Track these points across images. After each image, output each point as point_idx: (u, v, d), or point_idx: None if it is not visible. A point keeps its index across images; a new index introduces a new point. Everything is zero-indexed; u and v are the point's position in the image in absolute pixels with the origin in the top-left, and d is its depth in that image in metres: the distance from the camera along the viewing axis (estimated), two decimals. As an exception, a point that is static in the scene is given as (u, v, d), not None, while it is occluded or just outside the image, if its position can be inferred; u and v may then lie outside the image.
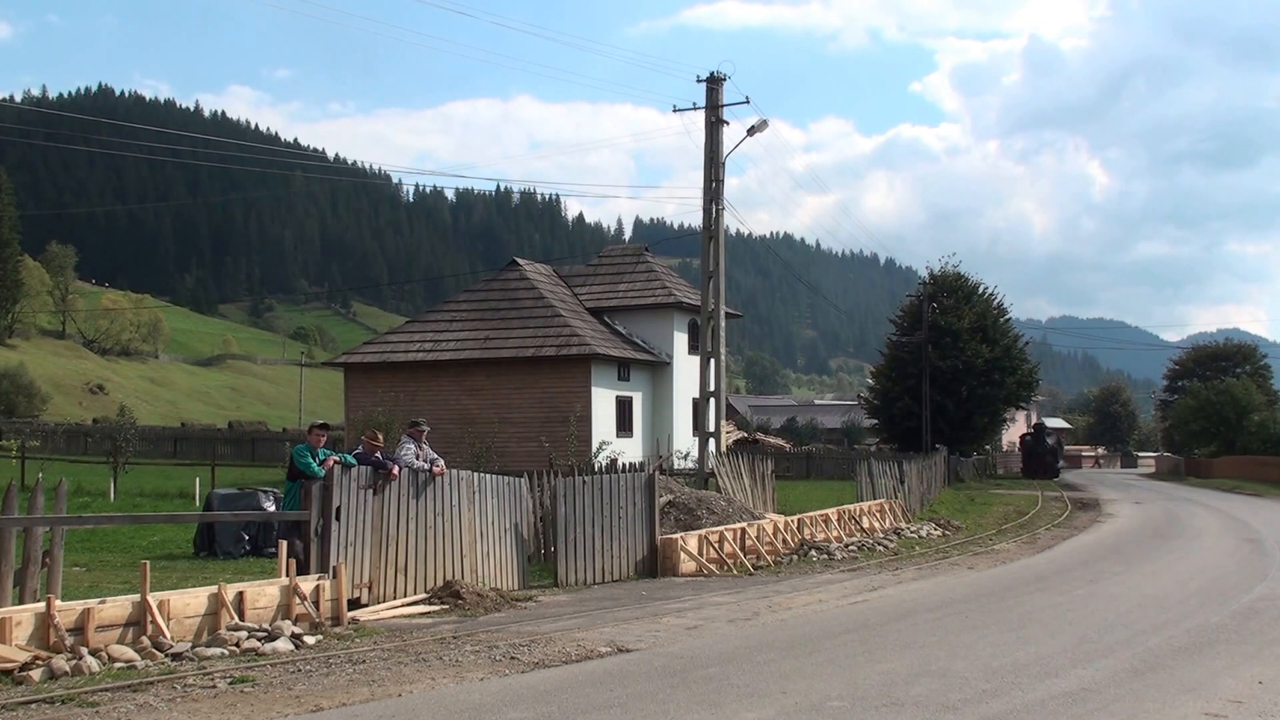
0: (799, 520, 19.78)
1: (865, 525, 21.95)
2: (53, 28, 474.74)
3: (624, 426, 34.10)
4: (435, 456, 13.45)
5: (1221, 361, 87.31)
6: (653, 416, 35.82)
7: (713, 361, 25.51)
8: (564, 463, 23.08)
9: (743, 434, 62.06)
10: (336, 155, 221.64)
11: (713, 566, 16.15)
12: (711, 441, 25.15)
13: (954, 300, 54.70)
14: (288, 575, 10.49)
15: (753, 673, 8.65)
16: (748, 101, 26.16)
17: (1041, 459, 61.58)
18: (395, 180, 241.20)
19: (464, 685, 8.23)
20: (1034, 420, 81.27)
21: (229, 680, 8.14)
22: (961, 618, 11.78)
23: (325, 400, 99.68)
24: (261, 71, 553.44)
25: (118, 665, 8.46)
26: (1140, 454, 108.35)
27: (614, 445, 30.16)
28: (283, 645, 9.42)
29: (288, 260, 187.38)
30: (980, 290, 56.67)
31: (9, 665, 8.10)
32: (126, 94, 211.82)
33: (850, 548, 19.36)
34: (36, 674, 7.99)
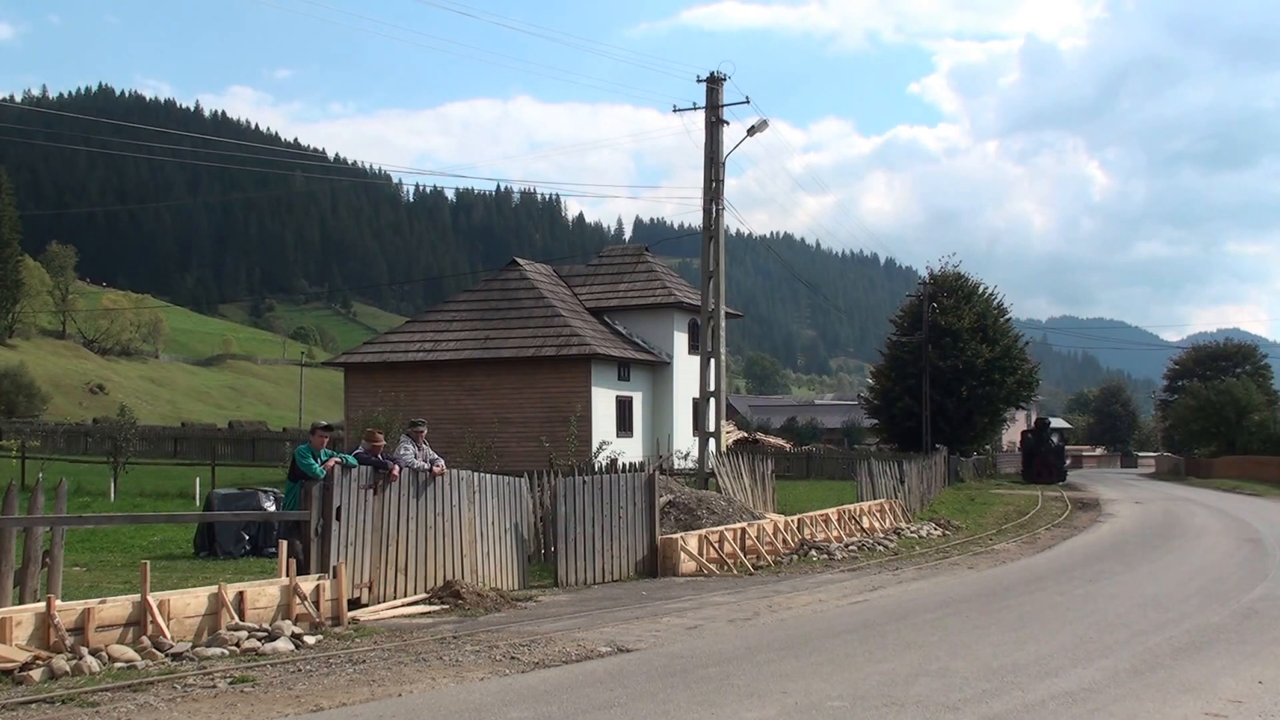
0: (799, 520, 19.79)
1: (865, 525, 21.95)
2: (53, 28, 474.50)
3: (624, 426, 34.09)
4: (435, 457, 13.45)
5: (1221, 361, 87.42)
6: (653, 416, 35.81)
7: (713, 361, 25.50)
8: (564, 463, 23.08)
9: (743, 434, 62.04)
10: (336, 155, 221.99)
11: (713, 566, 16.15)
12: (711, 441, 25.14)
13: (954, 300, 54.65)
14: (288, 575, 10.50)
15: (753, 672, 8.66)
16: (748, 101, 26.13)
17: (1044, 459, 57.03)
18: (395, 180, 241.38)
19: (464, 685, 8.23)
20: (1034, 420, 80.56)
21: (229, 680, 8.15)
22: (961, 618, 11.78)
23: (325, 400, 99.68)
24: (262, 72, 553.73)
25: (118, 665, 8.47)
26: (1140, 454, 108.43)
27: (614, 445, 30.14)
28: (283, 645, 9.42)
29: (288, 260, 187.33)
30: (980, 290, 56.63)
31: (9, 665, 8.11)
32: (126, 94, 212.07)
33: (850, 548, 19.37)
34: (37, 674, 7.99)
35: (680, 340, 36.59)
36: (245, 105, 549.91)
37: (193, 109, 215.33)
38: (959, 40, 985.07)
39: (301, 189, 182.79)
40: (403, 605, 12.00)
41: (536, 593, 13.82)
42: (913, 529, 23.11)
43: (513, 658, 9.25)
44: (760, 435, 66.00)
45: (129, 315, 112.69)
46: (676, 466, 30.30)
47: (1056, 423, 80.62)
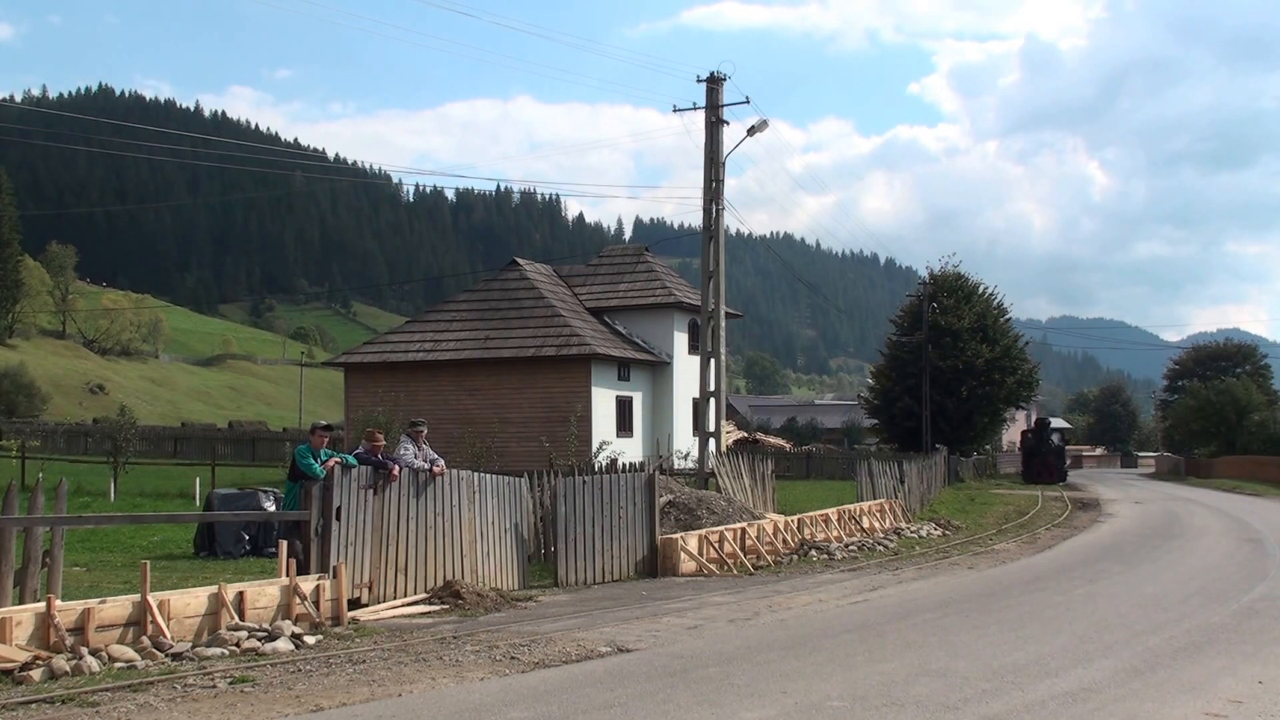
0: (799, 520, 19.79)
1: (865, 525, 21.95)
2: (53, 28, 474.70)
3: (624, 426, 34.09)
4: (435, 457, 13.45)
5: (1221, 361, 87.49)
6: (653, 416, 35.80)
7: (713, 361, 25.50)
8: (564, 463, 23.08)
9: (743, 434, 62.06)
10: (336, 155, 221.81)
11: (713, 566, 16.15)
12: (711, 441, 25.14)
13: (954, 300, 54.64)
14: (288, 575, 10.50)
15: (753, 672, 8.66)
16: (748, 101, 26.11)
17: (1045, 460, 56.26)
18: (395, 180, 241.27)
19: (464, 685, 8.23)
20: (1034, 420, 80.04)
21: (229, 680, 8.15)
22: (961, 617, 11.78)
23: (325, 400, 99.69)
24: (262, 72, 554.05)
25: (118, 665, 8.47)
26: (1140, 454, 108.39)
27: (614, 445, 30.14)
28: (283, 645, 9.42)
29: (288, 260, 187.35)
30: (980, 290, 56.63)
31: (9, 665, 8.11)
32: (126, 94, 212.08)
33: (850, 548, 19.36)
34: (37, 674, 7.99)
35: (680, 340, 36.59)
36: (245, 105, 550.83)
37: (193, 109, 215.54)
38: (959, 40, 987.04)
39: (301, 189, 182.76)
40: (403, 605, 11.99)
41: (536, 593, 13.81)
42: (913, 529, 23.11)
43: (513, 658, 9.25)
44: (760, 435, 66.02)
45: (129, 315, 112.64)
46: (676, 466, 30.30)
47: (1057, 423, 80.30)
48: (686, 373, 35.26)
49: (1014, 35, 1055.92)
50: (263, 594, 10.22)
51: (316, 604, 10.57)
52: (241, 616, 9.84)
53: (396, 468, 12.51)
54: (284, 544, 10.87)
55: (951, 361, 51.99)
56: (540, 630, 10.66)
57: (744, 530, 17.48)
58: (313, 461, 12.13)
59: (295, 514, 11.98)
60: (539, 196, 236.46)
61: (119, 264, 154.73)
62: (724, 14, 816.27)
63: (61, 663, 8.18)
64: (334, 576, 10.98)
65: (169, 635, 9.12)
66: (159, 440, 49.57)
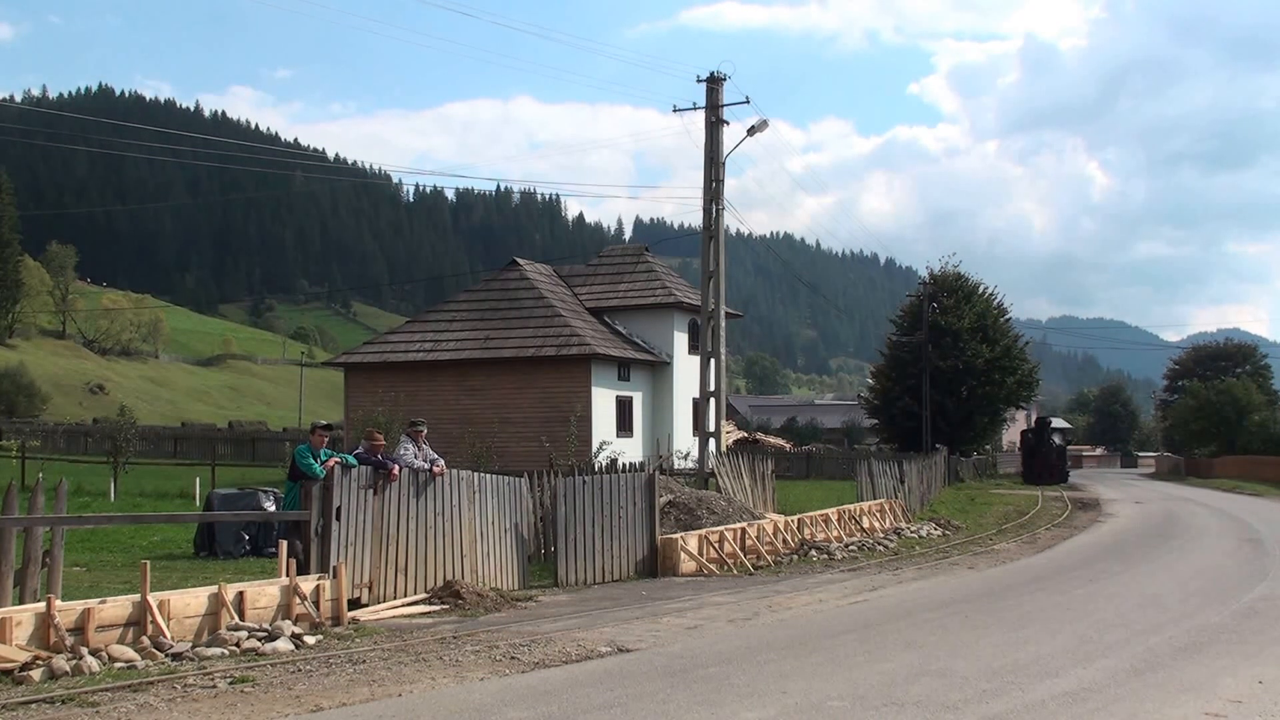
0: (799, 520, 19.79)
1: (865, 525, 21.95)
2: (53, 28, 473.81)
3: (624, 426, 34.10)
4: (435, 456, 13.45)
5: (1221, 361, 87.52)
6: (653, 416, 35.81)
7: (713, 361, 25.51)
8: (564, 463, 23.07)
9: (743, 434, 62.06)
10: (336, 155, 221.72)
11: (713, 566, 16.15)
12: (711, 441, 25.15)
13: (954, 300, 54.66)
14: (288, 575, 10.50)
15: (753, 672, 8.66)
16: (748, 101, 26.13)
17: (1046, 459, 55.79)
18: (395, 180, 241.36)
19: (464, 685, 8.24)
20: (1034, 420, 79.65)
21: (229, 680, 8.15)
22: (962, 617, 11.78)
23: (325, 400, 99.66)
24: (262, 72, 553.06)
25: (118, 665, 8.47)
26: (1140, 454, 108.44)
27: (614, 445, 30.14)
28: (283, 645, 9.42)
29: (288, 260, 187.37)
30: (980, 290, 56.63)
31: (9, 665, 8.11)
32: (126, 94, 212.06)
33: (850, 548, 19.36)
34: (37, 674, 7.99)
35: (680, 340, 36.60)
36: (245, 105, 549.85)
37: (193, 109, 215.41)
38: (959, 40, 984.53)
39: (301, 189, 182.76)
40: (403, 605, 12.00)
41: (536, 593, 13.82)
42: (913, 529, 23.11)
43: (513, 658, 9.25)
44: (760, 435, 66.03)
45: (129, 315, 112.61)
46: (676, 466, 30.29)
47: (1057, 423, 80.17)
48: (686, 373, 35.27)
49: (1013, 35, 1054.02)
50: (263, 594, 10.23)
51: (316, 604, 10.57)
52: (241, 616, 9.84)
53: (396, 468, 12.51)
54: (284, 544, 10.88)
55: (951, 361, 52.00)
56: (540, 630, 10.66)
57: (744, 530, 17.48)
58: (313, 461, 12.13)
59: (295, 514, 11.98)
60: (539, 196, 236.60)
61: (119, 264, 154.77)
62: (724, 14, 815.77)
63: (61, 663, 8.19)
64: (334, 576, 10.99)
65: (169, 635, 9.13)
66: (159, 440, 49.57)
